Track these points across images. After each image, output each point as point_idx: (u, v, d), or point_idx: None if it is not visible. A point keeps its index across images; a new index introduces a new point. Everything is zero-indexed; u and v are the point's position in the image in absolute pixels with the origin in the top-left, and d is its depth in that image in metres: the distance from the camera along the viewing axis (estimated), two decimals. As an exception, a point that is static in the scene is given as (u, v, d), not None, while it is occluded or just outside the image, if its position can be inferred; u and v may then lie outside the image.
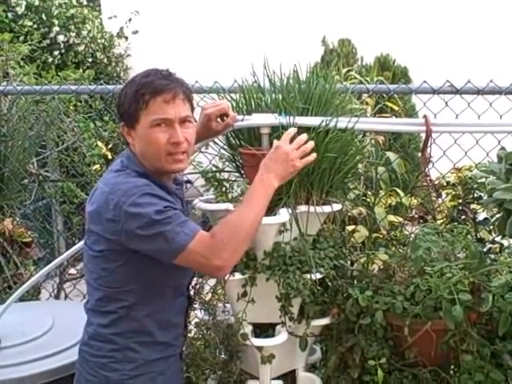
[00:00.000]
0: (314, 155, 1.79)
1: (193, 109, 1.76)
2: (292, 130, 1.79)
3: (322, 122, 1.96)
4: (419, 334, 1.90)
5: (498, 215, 2.08)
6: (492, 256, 2.28)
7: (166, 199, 1.60)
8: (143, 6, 6.81)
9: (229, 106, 2.04)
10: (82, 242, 1.89)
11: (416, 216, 3.05)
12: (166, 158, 1.66)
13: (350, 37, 6.32)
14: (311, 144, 1.78)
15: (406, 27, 6.58)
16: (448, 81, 2.57)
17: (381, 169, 2.82)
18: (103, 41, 6.55)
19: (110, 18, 6.81)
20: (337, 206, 2.09)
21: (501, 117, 2.50)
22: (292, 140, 1.77)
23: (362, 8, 6.76)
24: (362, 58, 6.22)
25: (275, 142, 1.79)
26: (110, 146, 3.60)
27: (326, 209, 2.04)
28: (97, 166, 3.43)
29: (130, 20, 6.83)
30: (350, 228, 2.63)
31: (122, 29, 6.89)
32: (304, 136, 1.79)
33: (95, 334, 1.71)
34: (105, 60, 6.56)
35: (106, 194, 1.59)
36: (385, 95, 2.83)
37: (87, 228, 1.70)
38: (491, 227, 2.45)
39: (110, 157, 3.50)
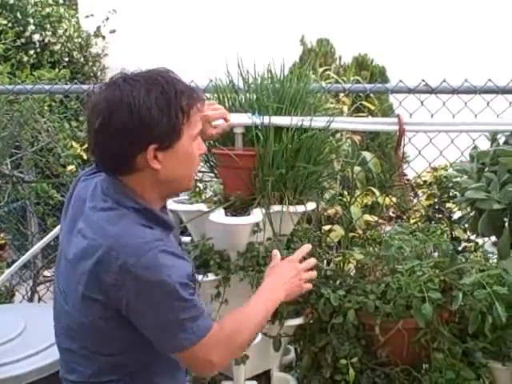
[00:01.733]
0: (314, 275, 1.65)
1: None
2: (307, 247, 1.66)
3: (298, 121, 1.97)
4: (391, 332, 1.90)
5: (470, 214, 2.10)
6: (467, 255, 2.30)
7: (182, 257, 1.34)
8: (121, 4, 6.74)
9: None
10: (54, 231, 1.77)
11: (394, 215, 3.07)
12: (193, 176, 1.46)
13: (328, 36, 6.32)
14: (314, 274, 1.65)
15: (384, 27, 6.61)
16: (423, 80, 2.59)
17: (357, 168, 2.83)
18: (80, 40, 6.48)
19: (87, 16, 6.74)
20: (311, 206, 2.09)
21: (476, 116, 2.51)
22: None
23: (341, 8, 6.77)
24: (340, 58, 6.23)
25: (289, 257, 1.64)
26: (85, 147, 3.57)
27: (300, 208, 2.04)
28: (72, 167, 3.40)
29: (107, 19, 6.75)
30: (326, 228, 2.64)
31: (99, 28, 6.81)
32: (313, 260, 1.65)
33: None
34: (81, 59, 6.48)
35: (104, 249, 1.27)
36: (361, 94, 2.85)
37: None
38: (466, 226, 2.47)
39: (85, 157, 3.47)
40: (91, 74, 6.57)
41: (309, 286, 1.63)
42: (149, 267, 1.25)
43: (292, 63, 4.85)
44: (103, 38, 6.87)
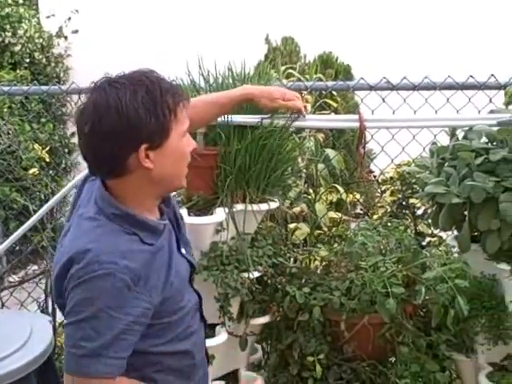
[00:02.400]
0: None
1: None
2: None
3: (259, 120, 1.97)
4: (356, 328, 1.92)
5: (432, 209, 2.13)
6: (431, 249, 2.33)
7: (129, 285, 1.30)
8: (83, 4, 6.66)
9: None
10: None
11: (361, 212, 3.09)
12: (185, 174, 1.45)
13: (293, 35, 6.34)
14: None
15: (348, 25, 6.66)
16: (384, 77, 2.61)
17: (321, 166, 2.84)
18: (41, 40, 6.37)
19: (48, 17, 6.63)
20: (274, 204, 2.09)
21: (436, 112, 2.55)
22: None
23: (306, 6, 6.80)
24: (306, 56, 6.25)
25: None
26: (47, 149, 3.51)
27: (263, 207, 2.04)
28: (34, 170, 3.34)
29: (69, 19, 6.66)
30: (292, 226, 2.65)
31: (61, 28, 6.71)
32: None
33: None
34: (43, 60, 6.38)
35: (66, 258, 1.31)
36: (324, 92, 2.85)
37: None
38: (429, 221, 2.50)
39: (47, 160, 3.41)
40: (54, 75, 6.47)
41: None
42: (89, 287, 1.28)
43: (257, 62, 4.86)
44: (65, 38, 6.77)
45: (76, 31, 6.79)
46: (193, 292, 1.55)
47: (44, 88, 2.88)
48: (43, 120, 3.66)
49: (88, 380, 1.28)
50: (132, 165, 1.34)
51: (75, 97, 3.39)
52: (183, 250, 1.53)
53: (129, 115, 1.30)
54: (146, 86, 1.33)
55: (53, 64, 6.57)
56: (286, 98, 1.92)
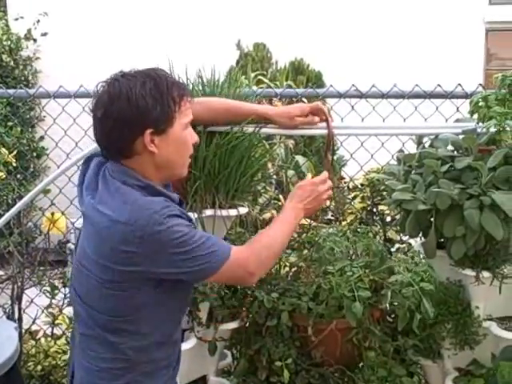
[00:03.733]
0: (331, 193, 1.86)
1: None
2: (325, 173, 1.84)
3: (228, 126, 1.97)
4: (324, 333, 1.93)
5: (399, 215, 2.16)
6: (399, 255, 2.35)
7: (185, 215, 1.55)
8: (52, 7, 6.60)
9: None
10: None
11: (333, 218, 3.11)
12: (187, 163, 1.63)
13: (264, 41, 6.36)
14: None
15: (320, 32, 6.71)
16: (353, 85, 2.64)
17: (290, 172, 2.86)
18: (9, 43, 6.30)
19: (17, 19, 6.55)
20: (243, 210, 2.09)
21: (404, 120, 2.59)
22: None
23: (277, 12, 6.84)
24: (277, 62, 6.27)
25: (310, 180, 1.83)
26: (14, 153, 3.45)
27: (232, 212, 2.04)
28: (1, 174, 3.29)
29: (38, 21, 6.60)
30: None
31: (29, 30, 6.64)
32: (330, 182, 1.84)
33: None
34: (11, 63, 6.31)
35: (122, 227, 1.46)
36: (294, 99, 2.87)
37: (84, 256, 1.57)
38: (398, 228, 2.53)
39: (14, 164, 3.36)
40: (22, 78, 6.39)
41: (327, 199, 1.85)
42: (163, 232, 1.45)
43: (229, 67, 4.87)
44: (34, 40, 6.70)
45: (45, 34, 6.73)
46: None
47: (11, 91, 2.84)
48: (10, 123, 3.60)
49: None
50: (138, 148, 1.51)
51: (44, 100, 3.36)
52: None
53: (137, 103, 1.48)
54: (155, 79, 1.51)
55: (21, 67, 6.50)
56: (305, 112, 1.98)
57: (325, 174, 1.82)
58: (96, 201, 1.54)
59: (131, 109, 1.48)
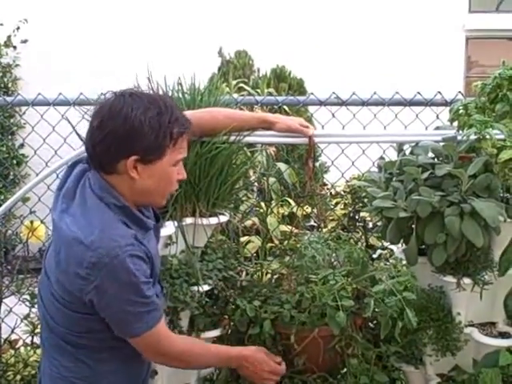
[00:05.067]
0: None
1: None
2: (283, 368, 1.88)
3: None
4: (307, 341, 1.92)
5: (380, 222, 2.16)
6: (381, 262, 2.36)
7: (146, 258, 1.53)
8: (32, 14, 6.56)
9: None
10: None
11: (315, 225, 3.11)
12: (167, 196, 1.63)
13: (246, 48, 6.37)
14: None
15: (301, 40, 6.75)
16: (334, 93, 2.65)
17: (272, 179, 2.86)
18: (-12, 50, 6.25)
19: (-4, 26, 6.51)
20: (224, 218, 2.08)
21: (385, 127, 2.60)
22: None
23: (259, 20, 6.86)
24: (259, 70, 6.28)
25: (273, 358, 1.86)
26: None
27: (213, 220, 2.03)
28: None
29: (18, 28, 6.55)
30: (243, 239, 2.64)
31: (9, 37, 6.59)
32: (283, 369, 1.88)
33: None
34: (-10, 70, 6.26)
35: (82, 248, 1.44)
36: (275, 107, 2.87)
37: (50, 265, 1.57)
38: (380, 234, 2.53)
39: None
40: (2, 85, 6.33)
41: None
42: (118, 268, 1.44)
43: (211, 74, 4.86)
44: (14, 48, 6.65)
45: (25, 41, 6.68)
46: None
47: (-12, 99, 2.81)
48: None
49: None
50: (120, 168, 1.50)
51: (23, 108, 3.32)
52: None
53: (133, 125, 1.46)
54: (160, 108, 1.49)
55: (0, 74, 6.43)
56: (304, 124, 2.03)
57: (282, 368, 1.86)
58: (69, 213, 1.52)
59: (124, 130, 1.47)
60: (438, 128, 2.21)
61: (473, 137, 1.88)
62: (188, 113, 1.66)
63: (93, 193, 1.52)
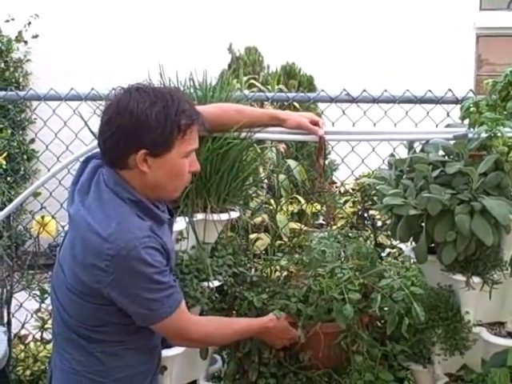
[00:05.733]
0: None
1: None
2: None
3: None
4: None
5: (390, 220, 2.16)
6: (389, 260, 2.35)
7: (163, 250, 1.55)
8: (43, 9, 6.58)
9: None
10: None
11: (324, 223, 3.11)
12: (180, 189, 1.63)
13: (256, 45, 6.36)
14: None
15: (311, 37, 6.74)
16: (345, 89, 2.64)
17: (282, 176, 2.86)
18: (0, 45, 6.27)
19: (8, 21, 6.53)
20: (235, 214, 2.09)
21: (395, 125, 2.59)
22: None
23: (269, 16, 6.85)
24: (269, 67, 6.28)
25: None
26: (5, 155, 3.44)
27: (224, 216, 2.04)
28: (-8, 175, 3.28)
29: (29, 24, 6.58)
30: (253, 236, 2.65)
31: (20, 33, 6.62)
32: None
33: None
34: (2, 65, 6.29)
35: (100, 240, 1.46)
36: (286, 103, 2.88)
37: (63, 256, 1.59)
38: (389, 232, 2.53)
39: (5, 166, 3.34)
40: (13, 80, 6.36)
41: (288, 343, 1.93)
42: (135, 260, 1.46)
43: (220, 71, 4.86)
44: (25, 42, 6.68)
45: (36, 36, 6.71)
46: None
47: (1, 94, 2.82)
48: (0, 126, 3.58)
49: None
50: (131, 163, 1.51)
51: (35, 103, 3.34)
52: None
53: (139, 119, 1.48)
54: (166, 102, 1.50)
55: (12, 69, 6.47)
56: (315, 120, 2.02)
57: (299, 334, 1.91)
58: (85, 207, 1.54)
59: (131, 124, 1.48)
60: (448, 126, 2.20)
61: (484, 135, 1.87)
62: (199, 108, 1.66)
63: (107, 188, 1.54)
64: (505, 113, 1.95)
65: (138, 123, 1.48)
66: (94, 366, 1.58)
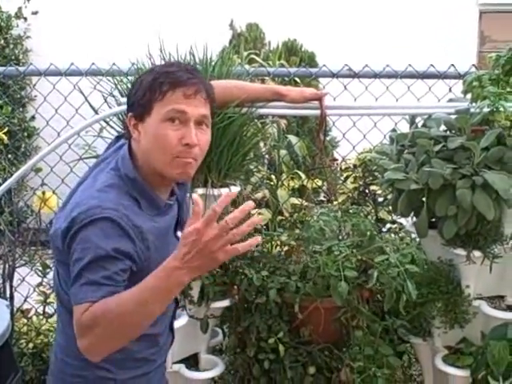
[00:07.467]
0: (256, 239, 1.27)
1: (213, 114, 1.53)
2: (225, 198, 1.28)
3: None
4: (311, 311, 1.93)
5: (391, 195, 2.16)
6: (388, 235, 2.36)
7: (128, 233, 1.36)
8: (43, -15, 6.52)
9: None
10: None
11: (325, 199, 3.11)
12: (171, 162, 1.43)
13: (257, 21, 6.30)
14: (250, 223, 1.26)
15: (313, 13, 6.67)
16: (346, 65, 2.63)
17: (283, 152, 2.86)
18: (-1, 21, 6.23)
19: (7, -3, 6.48)
20: (235, 189, 2.09)
21: (397, 100, 2.58)
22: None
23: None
24: (270, 43, 6.23)
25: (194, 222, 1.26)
26: (5, 131, 3.43)
27: (224, 191, 2.03)
28: (-7, 150, 3.27)
29: (28, 0, 6.51)
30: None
31: (20, 9, 6.55)
32: (239, 212, 1.26)
33: None
34: (1, 42, 6.23)
35: (73, 206, 1.40)
36: (287, 79, 2.86)
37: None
38: (390, 207, 2.53)
39: (6, 142, 3.34)
40: (13, 57, 6.31)
41: (231, 252, 1.26)
42: (89, 227, 1.35)
43: (222, 47, 4.83)
44: (25, 19, 6.62)
45: (36, 12, 6.65)
46: None
47: (0, 69, 2.80)
48: (0, 102, 3.57)
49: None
50: (130, 131, 1.49)
51: (35, 79, 3.32)
52: (179, 233, 1.55)
53: (133, 83, 1.53)
54: (162, 67, 1.51)
55: (11, 45, 6.42)
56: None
57: (209, 216, 1.24)
58: (90, 176, 1.52)
59: (129, 92, 1.53)
60: (450, 100, 2.19)
61: (486, 109, 1.86)
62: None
63: (116, 162, 1.49)
64: (508, 87, 1.94)
65: (131, 88, 1.52)
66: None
